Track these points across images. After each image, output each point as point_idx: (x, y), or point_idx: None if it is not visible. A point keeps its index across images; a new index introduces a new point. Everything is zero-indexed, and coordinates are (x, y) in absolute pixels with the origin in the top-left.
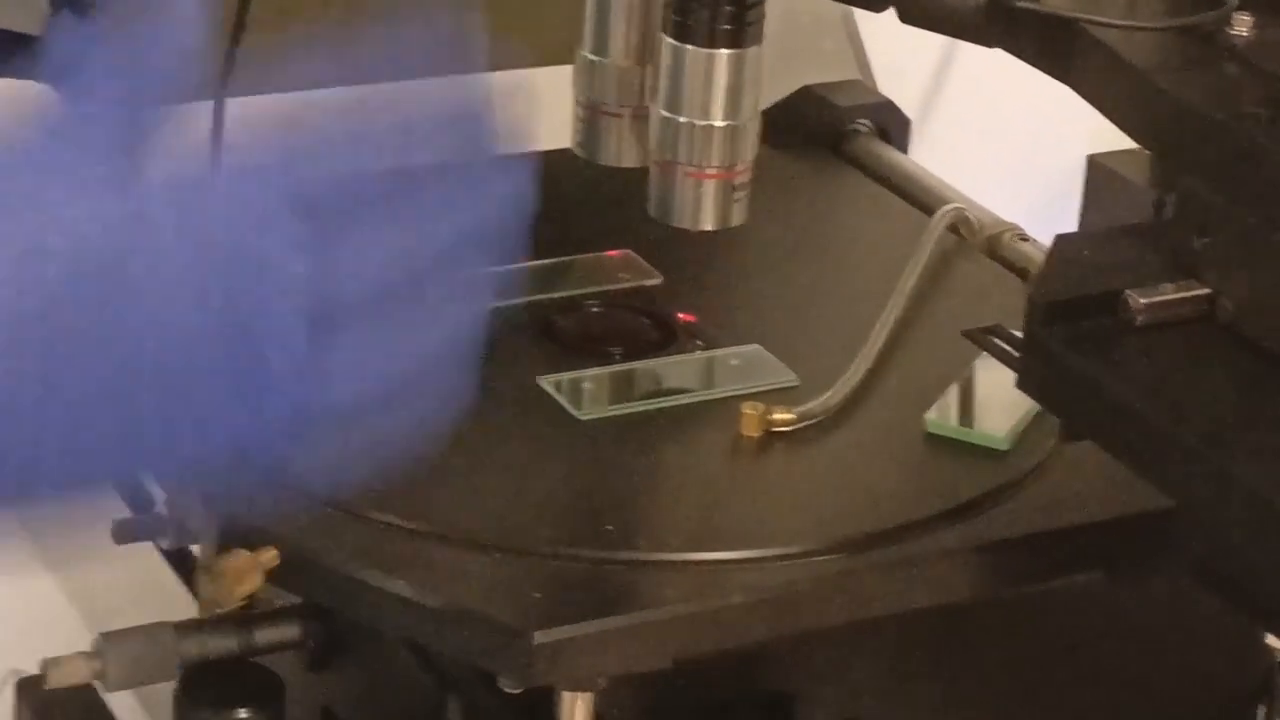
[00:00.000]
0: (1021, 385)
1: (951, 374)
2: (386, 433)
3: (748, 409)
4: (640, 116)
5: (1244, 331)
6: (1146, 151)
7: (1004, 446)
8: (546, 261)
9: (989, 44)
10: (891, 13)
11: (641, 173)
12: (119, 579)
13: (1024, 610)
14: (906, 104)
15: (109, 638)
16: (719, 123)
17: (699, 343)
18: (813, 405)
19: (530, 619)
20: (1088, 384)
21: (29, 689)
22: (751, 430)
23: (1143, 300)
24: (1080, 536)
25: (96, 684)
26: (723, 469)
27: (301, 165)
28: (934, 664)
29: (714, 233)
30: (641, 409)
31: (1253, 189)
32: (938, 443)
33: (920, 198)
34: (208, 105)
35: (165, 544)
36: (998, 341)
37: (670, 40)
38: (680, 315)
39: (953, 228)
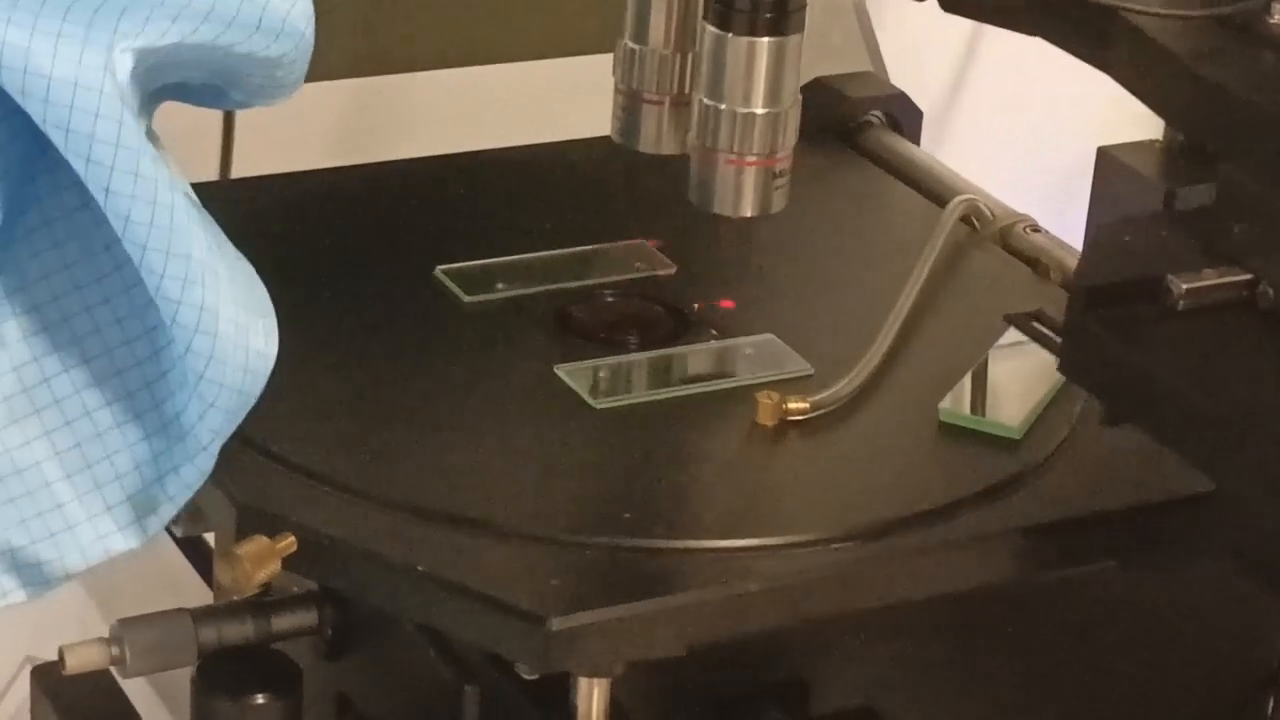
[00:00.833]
0: (1063, 369)
1: (964, 364)
2: None
3: (763, 398)
4: (680, 104)
5: None
6: (1156, 144)
7: (1016, 436)
8: (562, 252)
9: (1028, 31)
10: (909, 4)
11: (659, 162)
12: (132, 566)
13: (1036, 599)
14: (918, 96)
15: (126, 624)
16: (760, 110)
17: (713, 332)
18: (827, 394)
19: (548, 605)
20: (1130, 368)
21: (44, 675)
22: (766, 419)
23: (1184, 286)
24: (1092, 526)
25: (113, 669)
26: (738, 457)
27: None
28: (946, 651)
29: (728, 224)
30: (657, 398)
31: None
32: (951, 432)
33: (932, 189)
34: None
35: (178, 531)
36: (1039, 326)
37: (712, 28)
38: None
39: (965, 219)
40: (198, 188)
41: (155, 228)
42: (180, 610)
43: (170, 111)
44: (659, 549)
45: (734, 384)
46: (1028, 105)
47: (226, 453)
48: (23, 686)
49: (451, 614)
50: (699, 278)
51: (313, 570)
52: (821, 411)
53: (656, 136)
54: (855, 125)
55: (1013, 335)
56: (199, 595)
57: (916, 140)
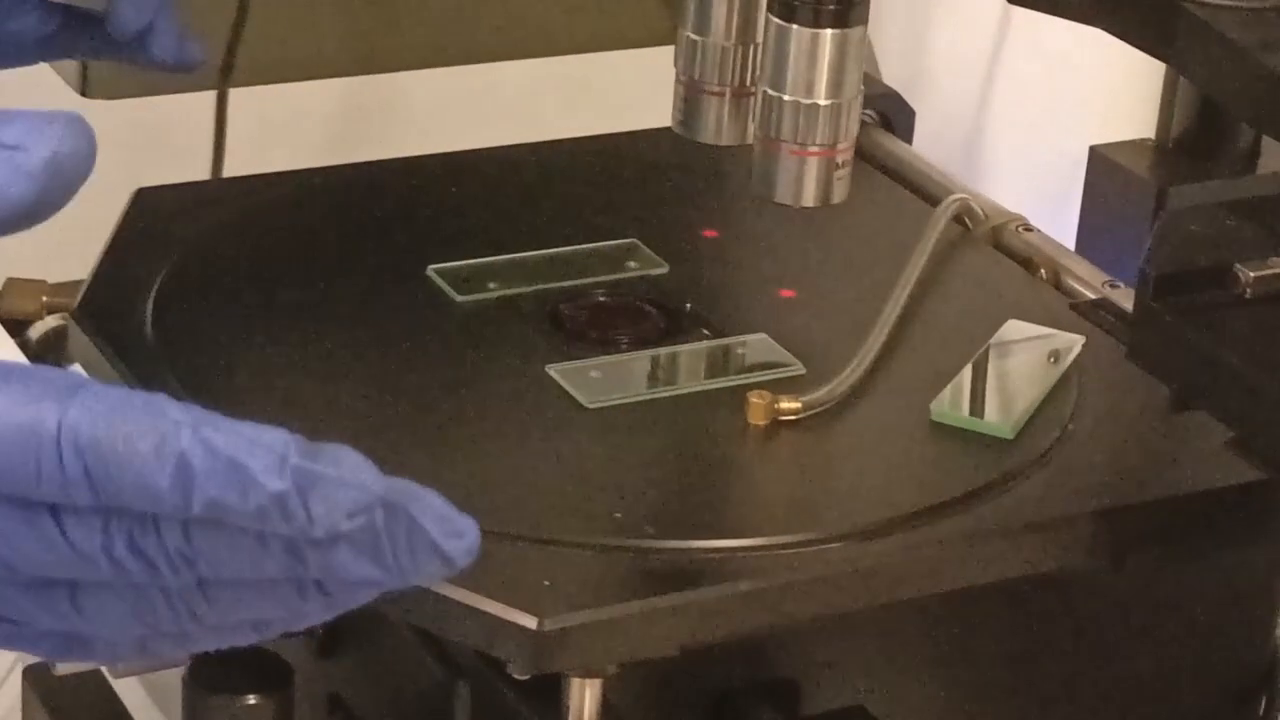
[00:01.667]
0: (1133, 356)
1: (958, 363)
2: None
3: (754, 397)
4: (740, 96)
5: None
6: (1148, 143)
7: (1009, 435)
8: (554, 251)
9: (1089, 22)
10: (901, 3)
11: (651, 161)
12: None
13: (1028, 598)
14: (910, 95)
15: None
16: (823, 101)
17: (705, 332)
18: (819, 394)
19: (540, 605)
20: (1199, 354)
21: (36, 675)
22: (758, 419)
23: (1251, 274)
24: (1085, 525)
25: (104, 670)
26: (730, 457)
27: None
28: (938, 651)
29: (720, 222)
30: (649, 397)
31: None
32: (943, 431)
33: (925, 188)
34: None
35: None
36: (1104, 313)
37: (776, 20)
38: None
39: (957, 218)
40: (190, 187)
41: None
42: None
43: (162, 109)
44: (651, 549)
45: (726, 383)
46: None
47: None
48: (13, 688)
49: (443, 614)
50: (691, 277)
51: None
52: (813, 411)
53: (717, 127)
54: None
55: (1005, 334)
56: None
57: (909, 139)
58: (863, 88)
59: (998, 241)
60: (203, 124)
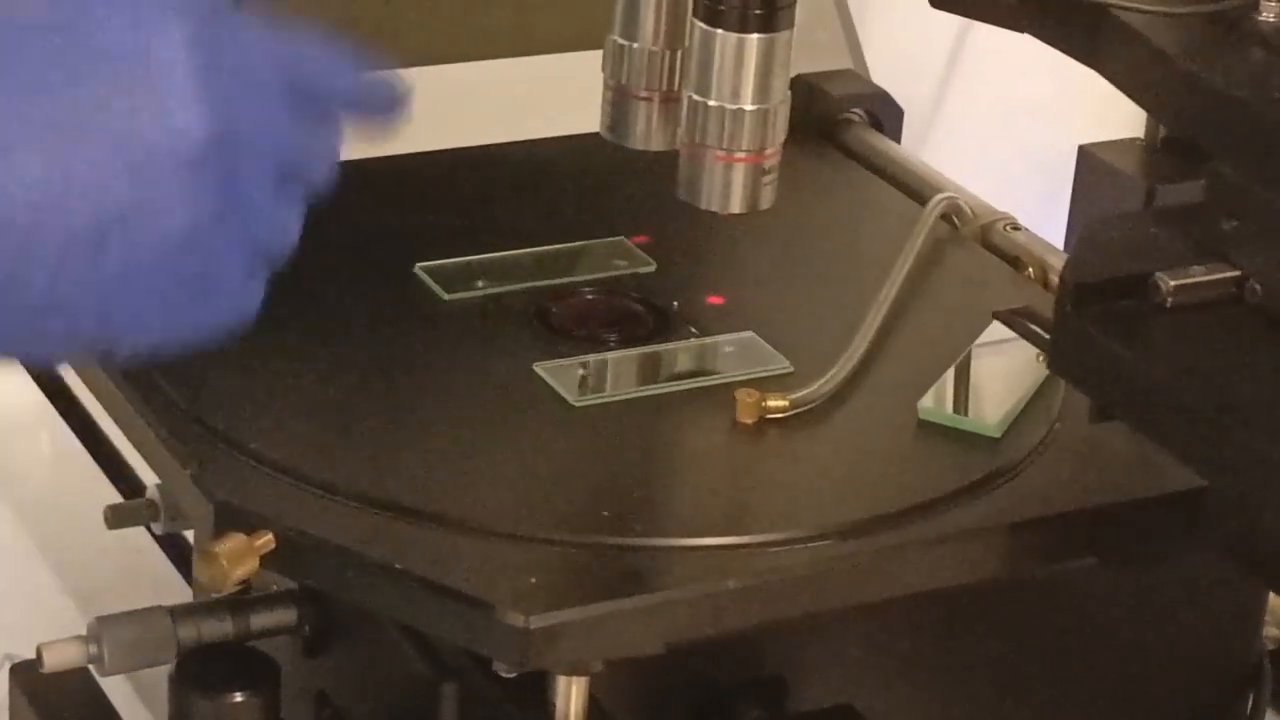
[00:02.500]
0: (1053, 366)
1: (944, 362)
2: None
3: (742, 395)
4: (669, 100)
5: (1273, 313)
6: (1138, 142)
7: (995, 434)
8: (541, 249)
9: (1019, 29)
10: (891, 1)
11: (640, 160)
12: (111, 564)
13: (1016, 596)
14: (899, 94)
15: (104, 622)
16: (749, 107)
17: (693, 330)
18: (806, 392)
19: (526, 603)
20: (1120, 364)
21: (22, 673)
22: (746, 416)
23: (1172, 283)
24: (1071, 523)
25: (91, 669)
26: (718, 455)
27: None
28: (925, 649)
29: (707, 221)
30: (637, 395)
31: None
32: (930, 430)
33: (913, 187)
34: None
35: (158, 529)
36: (1026, 323)
37: (701, 24)
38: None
39: (945, 217)
40: None
41: None
42: (159, 608)
43: None
44: (638, 547)
45: (714, 381)
46: (1009, 103)
47: (205, 450)
48: (1, 684)
49: (430, 612)
50: (679, 275)
51: (291, 568)
52: (801, 409)
53: (646, 132)
54: (836, 123)
55: (993, 333)
56: (179, 593)
57: (897, 138)
58: (789, 93)
59: (986, 240)
60: None
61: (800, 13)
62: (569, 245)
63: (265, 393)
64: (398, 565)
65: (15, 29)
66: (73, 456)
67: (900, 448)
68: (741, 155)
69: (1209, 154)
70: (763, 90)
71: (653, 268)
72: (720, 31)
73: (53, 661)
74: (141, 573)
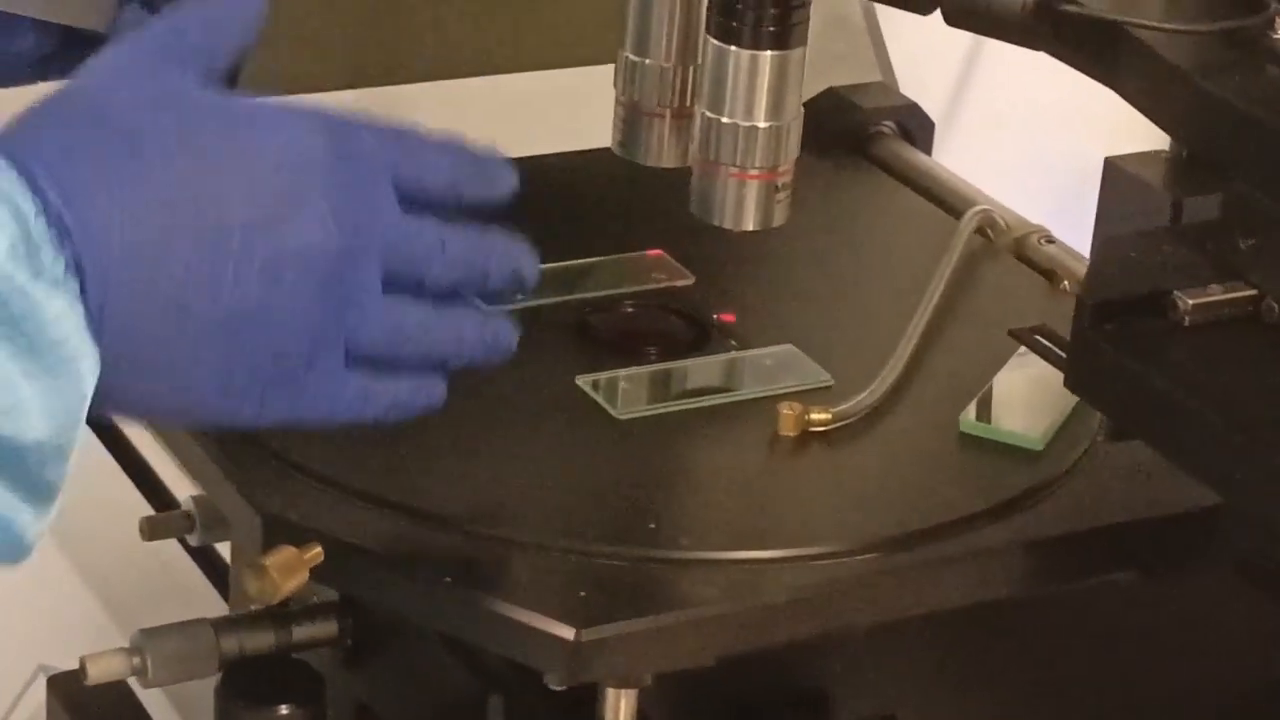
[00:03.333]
0: (1070, 384)
1: (984, 375)
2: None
3: (785, 409)
4: (681, 117)
5: None
6: (1163, 155)
7: (1038, 447)
8: (580, 262)
9: (1034, 46)
10: (917, 17)
11: (673, 173)
12: (144, 576)
13: (1057, 609)
14: (930, 106)
15: (148, 634)
16: (762, 124)
17: (733, 343)
18: (849, 405)
19: (576, 616)
20: (1137, 382)
21: (60, 685)
22: (789, 430)
23: (1190, 301)
24: (1114, 536)
25: (131, 680)
26: (761, 468)
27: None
28: (968, 663)
29: (744, 234)
30: (678, 408)
31: None
32: (972, 443)
33: (945, 199)
34: None
35: (193, 541)
36: (1043, 341)
37: (715, 41)
38: (719, 315)
39: (980, 229)
40: None
41: None
42: (201, 620)
43: None
44: (685, 560)
45: (755, 394)
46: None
47: (252, 463)
48: (35, 696)
49: (480, 625)
50: (717, 288)
51: (339, 580)
52: (844, 423)
53: (658, 149)
54: (868, 135)
55: None
56: (211, 605)
57: (928, 150)
58: (802, 110)
59: (1020, 252)
60: None
61: (829, 26)
62: (607, 258)
63: None
64: (447, 578)
65: None
66: (101, 469)
67: (943, 461)
68: (755, 172)
69: (1226, 173)
70: (776, 107)
71: (691, 281)
72: (734, 48)
73: (96, 673)
74: (175, 585)
